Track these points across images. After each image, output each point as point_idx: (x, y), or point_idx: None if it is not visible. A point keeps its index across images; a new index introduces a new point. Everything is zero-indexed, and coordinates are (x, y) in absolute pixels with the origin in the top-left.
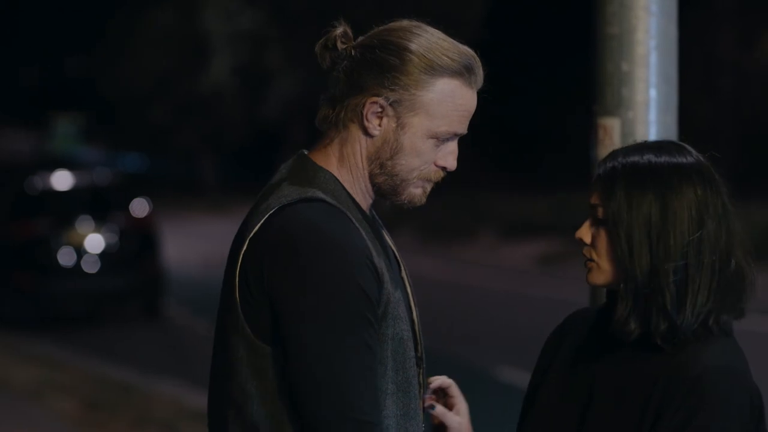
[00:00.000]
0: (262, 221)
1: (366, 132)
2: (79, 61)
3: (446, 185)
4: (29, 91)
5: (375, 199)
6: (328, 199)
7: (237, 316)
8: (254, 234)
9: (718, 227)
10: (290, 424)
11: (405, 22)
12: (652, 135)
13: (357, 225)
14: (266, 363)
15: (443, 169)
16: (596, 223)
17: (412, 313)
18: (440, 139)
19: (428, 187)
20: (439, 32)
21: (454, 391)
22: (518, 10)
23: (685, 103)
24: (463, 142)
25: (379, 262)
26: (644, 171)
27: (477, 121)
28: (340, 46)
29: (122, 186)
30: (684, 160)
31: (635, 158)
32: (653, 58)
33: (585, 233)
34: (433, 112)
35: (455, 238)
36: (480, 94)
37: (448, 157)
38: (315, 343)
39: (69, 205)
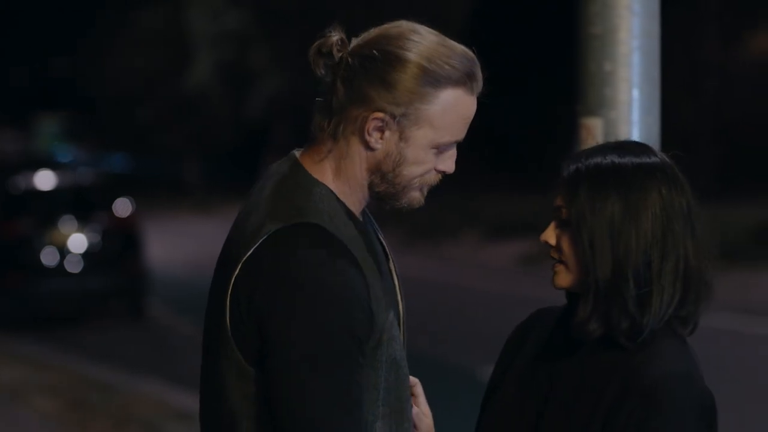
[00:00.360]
0: (256, 245)
1: (367, 145)
2: (64, 62)
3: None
4: (16, 91)
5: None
6: (325, 225)
7: (227, 339)
8: (248, 258)
9: (683, 227)
10: None
11: (402, 27)
12: (635, 135)
13: (351, 250)
14: (256, 387)
15: (442, 172)
16: (561, 225)
17: (398, 306)
18: (441, 148)
19: (426, 190)
20: (436, 34)
21: (418, 390)
22: (502, 10)
23: (669, 103)
24: None
25: (372, 291)
26: (607, 172)
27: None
28: (336, 54)
29: (105, 186)
30: (647, 160)
31: (598, 159)
32: (636, 58)
33: (550, 235)
34: (437, 124)
35: (441, 238)
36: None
37: (448, 161)
38: (299, 383)
39: (52, 205)
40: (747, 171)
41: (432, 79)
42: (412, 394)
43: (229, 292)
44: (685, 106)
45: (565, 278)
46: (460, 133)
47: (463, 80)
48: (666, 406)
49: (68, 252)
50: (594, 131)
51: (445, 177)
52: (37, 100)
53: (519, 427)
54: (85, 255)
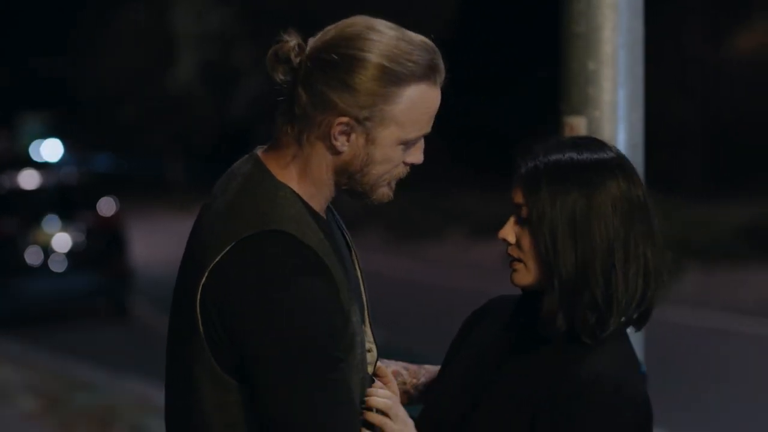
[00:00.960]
0: (223, 252)
1: (333, 150)
2: (48, 61)
3: (415, 184)
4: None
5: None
6: (293, 232)
7: (202, 347)
8: (215, 266)
9: (642, 221)
10: None
11: (359, 25)
12: (619, 134)
13: (321, 255)
14: (232, 396)
15: (411, 165)
16: (520, 222)
17: (362, 298)
18: (409, 144)
19: (394, 184)
20: (394, 28)
21: (383, 371)
22: (487, 9)
23: (656, 102)
24: (432, 139)
25: (342, 289)
26: (566, 168)
27: (446, 119)
28: (294, 59)
29: (89, 185)
30: (605, 156)
31: (557, 156)
32: (620, 57)
33: (508, 233)
34: (403, 122)
35: (424, 238)
36: (451, 94)
37: (416, 153)
38: (286, 387)
39: (36, 205)
40: (735, 169)
41: (394, 78)
42: (379, 375)
43: (198, 300)
44: (672, 104)
45: (525, 276)
46: (426, 127)
47: (426, 74)
48: (594, 408)
49: (52, 251)
50: (578, 130)
51: (428, 176)
52: (21, 100)
53: (458, 407)
54: (69, 254)
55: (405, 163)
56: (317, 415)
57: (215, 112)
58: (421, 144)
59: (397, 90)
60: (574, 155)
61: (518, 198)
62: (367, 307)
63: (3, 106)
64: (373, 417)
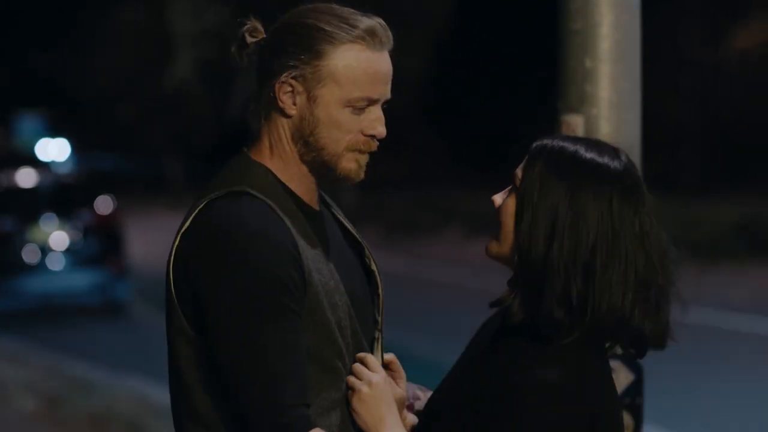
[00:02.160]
0: (192, 216)
1: (283, 114)
2: (45, 59)
3: (413, 183)
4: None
5: (322, 184)
6: (254, 192)
7: (174, 308)
8: (185, 229)
9: (631, 241)
10: (230, 413)
11: (307, 5)
12: (616, 132)
13: (282, 215)
14: (202, 353)
15: (372, 137)
16: (512, 191)
17: (379, 298)
18: (357, 107)
19: (362, 160)
20: (345, 8)
21: (396, 366)
22: (485, 8)
23: (652, 101)
24: (430, 137)
25: (303, 251)
26: (567, 157)
27: (444, 117)
28: (249, 40)
29: (87, 183)
30: (610, 164)
31: (566, 144)
32: (617, 55)
33: (499, 198)
34: (340, 80)
35: (421, 235)
36: (450, 90)
37: (375, 124)
38: (234, 332)
39: (33, 203)
40: (731, 167)
41: (328, 36)
42: (391, 370)
43: (171, 263)
44: (667, 103)
45: (496, 247)
46: (370, 90)
47: (362, 36)
48: (522, 414)
49: (50, 249)
50: (575, 128)
51: (425, 173)
52: (18, 98)
53: (439, 401)
54: (67, 252)
55: (364, 134)
56: (261, 359)
57: (213, 111)
58: (379, 115)
59: (330, 48)
60: (581, 150)
61: (519, 168)
62: (382, 298)
63: (0, 104)
64: (349, 378)
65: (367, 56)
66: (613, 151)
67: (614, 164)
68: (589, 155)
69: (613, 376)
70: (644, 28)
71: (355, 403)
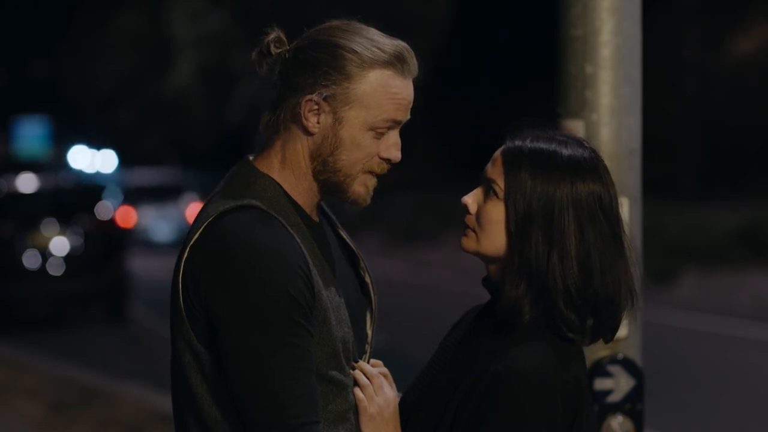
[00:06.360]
0: (201, 229)
1: (306, 131)
2: (45, 64)
3: (413, 188)
4: None
5: (325, 198)
6: (263, 206)
7: (182, 321)
8: (194, 242)
9: (613, 246)
10: (239, 427)
11: (335, 21)
12: (616, 137)
13: (291, 231)
14: (210, 367)
15: (387, 161)
16: (488, 195)
17: (371, 305)
18: (378, 131)
19: (372, 184)
20: (371, 29)
21: (384, 371)
22: (486, 13)
23: (651, 106)
24: (430, 143)
25: (312, 267)
26: (548, 162)
27: (444, 123)
28: (273, 51)
29: (87, 189)
30: (585, 155)
31: (543, 145)
32: (617, 61)
33: (472, 202)
34: (368, 104)
35: (421, 241)
36: (449, 95)
37: (391, 149)
38: (246, 349)
39: (34, 208)
40: (729, 173)
41: (359, 60)
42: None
43: (180, 276)
44: (667, 108)
45: (473, 243)
46: (394, 114)
47: (392, 62)
48: (504, 401)
49: (50, 255)
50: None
51: (425, 179)
52: (18, 103)
53: (414, 396)
54: (67, 258)
55: (381, 158)
56: (273, 377)
57: (212, 115)
58: (397, 140)
59: (361, 71)
60: (559, 149)
61: (494, 173)
62: (374, 311)
63: (1, 109)
64: (357, 374)
65: (395, 82)
66: (578, 141)
67: (586, 155)
68: (566, 152)
69: (614, 381)
70: (644, 34)
71: (364, 423)
